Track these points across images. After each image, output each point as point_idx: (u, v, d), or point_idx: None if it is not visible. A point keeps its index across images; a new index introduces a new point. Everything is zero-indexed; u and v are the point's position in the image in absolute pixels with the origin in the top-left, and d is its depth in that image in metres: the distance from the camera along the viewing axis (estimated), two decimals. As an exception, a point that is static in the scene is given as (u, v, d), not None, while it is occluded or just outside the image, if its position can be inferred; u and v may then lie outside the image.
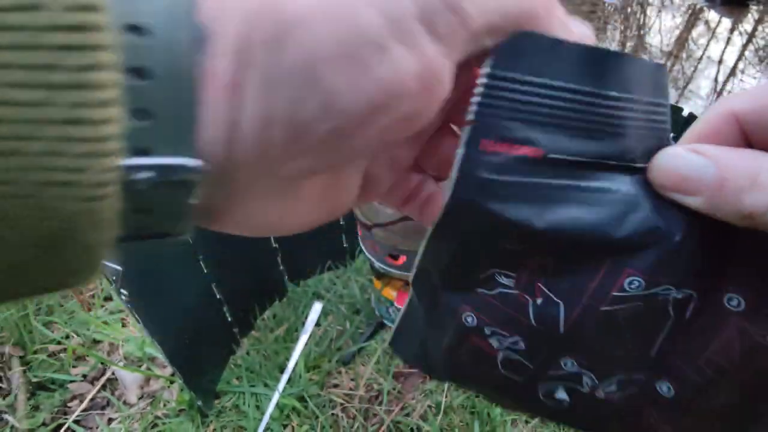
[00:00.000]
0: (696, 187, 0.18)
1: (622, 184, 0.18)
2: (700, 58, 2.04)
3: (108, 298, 1.08)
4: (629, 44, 2.14)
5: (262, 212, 0.16)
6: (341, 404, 0.87)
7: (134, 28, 0.12)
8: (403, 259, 0.79)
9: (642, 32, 2.23)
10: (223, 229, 0.17)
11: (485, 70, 0.16)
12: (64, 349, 0.98)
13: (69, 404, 0.91)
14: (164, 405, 0.89)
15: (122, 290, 0.63)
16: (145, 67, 0.12)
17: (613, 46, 2.11)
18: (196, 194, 0.14)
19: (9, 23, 0.10)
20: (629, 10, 2.41)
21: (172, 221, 0.14)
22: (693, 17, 2.37)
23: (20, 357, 0.97)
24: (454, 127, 0.21)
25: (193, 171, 0.13)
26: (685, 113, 0.78)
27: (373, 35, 0.13)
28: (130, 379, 0.92)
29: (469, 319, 0.20)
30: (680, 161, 0.18)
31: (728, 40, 2.18)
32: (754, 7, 2.37)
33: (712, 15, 2.37)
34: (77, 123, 0.11)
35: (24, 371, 0.95)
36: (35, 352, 0.98)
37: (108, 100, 0.11)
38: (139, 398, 0.91)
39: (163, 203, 0.14)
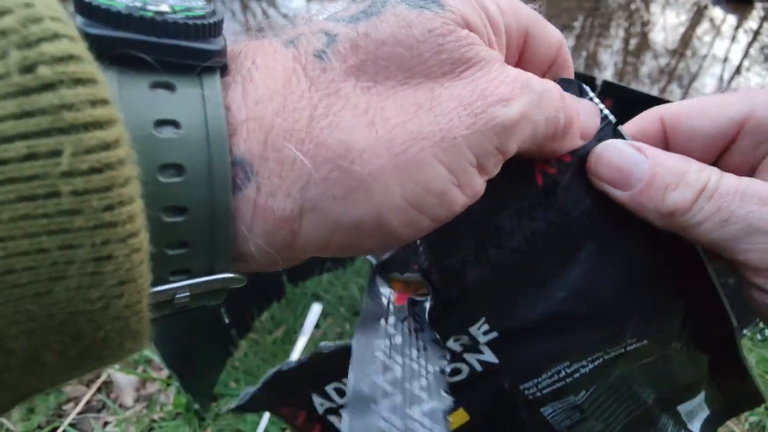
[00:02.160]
0: (627, 180, 0.19)
1: None
2: (705, 56, 2.03)
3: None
4: (633, 41, 2.12)
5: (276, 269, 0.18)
6: (340, 407, 0.86)
7: (169, 167, 0.12)
8: (403, 260, 0.77)
9: (646, 30, 2.21)
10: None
11: None
12: (60, 351, 0.97)
13: (64, 407, 0.89)
14: (161, 408, 0.88)
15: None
16: (181, 206, 0.13)
17: (617, 44, 2.09)
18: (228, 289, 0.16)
19: (26, 174, 0.10)
20: (633, 7, 2.39)
21: (208, 304, 0.16)
22: (698, 15, 2.35)
23: (16, 359, 0.96)
24: None
25: (228, 281, 0.15)
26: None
27: (438, 188, 0.15)
28: (126, 381, 0.91)
29: None
30: (618, 153, 0.19)
31: (733, 38, 2.15)
32: (760, 5, 2.35)
33: (717, 12, 2.35)
34: (106, 259, 0.11)
35: (19, 373, 0.94)
36: (31, 354, 0.97)
37: (135, 230, 0.11)
38: (135, 401, 0.90)
39: (200, 302, 0.15)
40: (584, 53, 2.03)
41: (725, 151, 0.20)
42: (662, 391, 0.24)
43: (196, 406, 0.82)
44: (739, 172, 0.19)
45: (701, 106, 0.20)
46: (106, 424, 0.87)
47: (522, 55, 0.19)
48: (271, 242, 0.15)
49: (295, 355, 0.92)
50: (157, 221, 0.12)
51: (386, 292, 0.20)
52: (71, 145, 0.10)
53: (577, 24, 2.21)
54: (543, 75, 0.19)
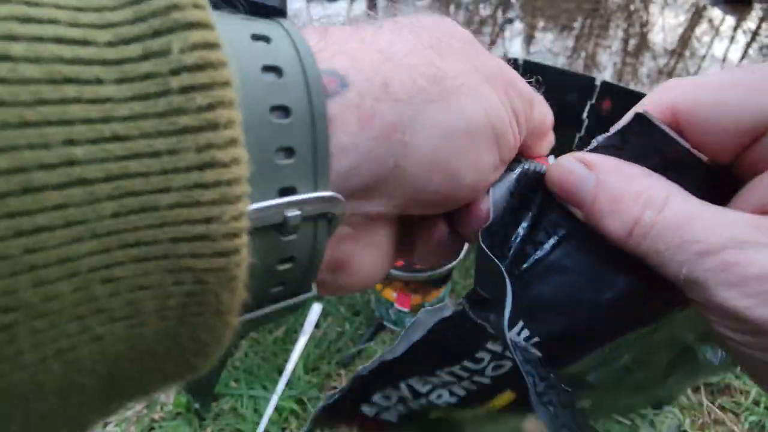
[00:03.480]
0: (575, 200, 0.18)
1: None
2: (704, 57, 2.03)
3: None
4: (632, 42, 2.12)
5: (369, 263, 0.18)
6: (340, 407, 0.86)
7: (271, 69, 0.13)
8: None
9: (645, 30, 2.21)
10: (340, 287, 0.18)
11: None
12: (61, 351, 0.97)
13: (65, 407, 0.89)
14: (161, 408, 0.88)
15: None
16: (285, 106, 0.13)
17: (616, 44, 2.10)
18: (334, 230, 0.15)
19: (142, 72, 0.10)
20: (632, 7, 2.39)
21: (310, 268, 0.15)
22: (697, 15, 2.35)
23: (16, 359, 0.96)
24: None
25: (333, 202, 0.14)
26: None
27: (504, 118, 0.17)
28: (126, 381, 0.91)
29: None
30: (566, 171, 0.18)
31: (732, 39, 2.16)
32: (758, 5, 2.35)
33: (715, 13, 2.35)
34: (208, 166, 0.10)
35: (19, 373, 0.93)
36: (31, 354, 0.96)
37: (234, 138, 0.11)
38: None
39: (306, 245, 0.14)
40: (583, 54, 2.03)
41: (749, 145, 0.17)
42: (700, 329, 0.24)
43: (197, 406, 0.82)
44: (761, 165, 0.16)
45: (722, 95, 0.16)
46: (106, 424, 0.87)
47: None
48: (382, 152, 0.15)
49: (296, 354, 0.92)
50: (265, 123, 0.13)
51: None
52: (179, 41, 0.10)
53: (576, 25, 2.21)
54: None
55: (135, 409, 0.88)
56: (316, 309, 1.00)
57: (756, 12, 2.35)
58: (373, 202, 0.16)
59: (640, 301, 0.19)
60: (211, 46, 0.10)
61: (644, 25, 2.27)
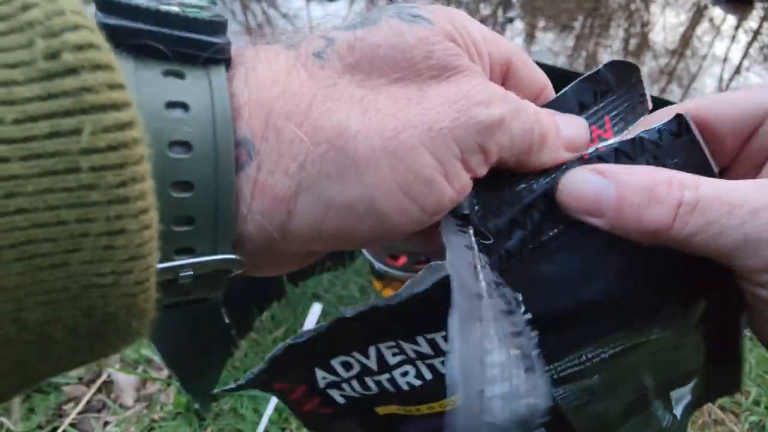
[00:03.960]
0: (598, 208, 0.18)
1: None
2: (705, 56, 2.02)
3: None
4: (633, 41, 2.12)
5: (277, 269, 0.19)
6: (340, 407, 0.86)
7: (180, 143, 0.13)
8: (403, 260, 0.77)
9: (646, 29, 2.21)
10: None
11: None
12: (61, 351, 0.97)
13: (64, 407, 0.89)
14: (161, 408, 0.88)
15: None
16: (188, 181, 0.14)
17: (617, 44, 2.09)
18: (229, 277, 0.16)
19: (49, 150, 0.10)
20: (633, 7, 2.39)
21: (209, 294, 0.17)
22: (698, 14, 2.35)
23: (16, 359, 0.96)
24: None
25: (230, 262, 0.15)
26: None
27: (426, 175, 0.16)
28: (126, 381, 0.91)
29: None
30: (583, 184, 0.18)
31: (733, 38, 2.15)
32: (759, 4, 2.35)
33: (717, 12, 2.35)
34: (118, 233, 0.11)
35: (19, 373, 0.93)
36: (31, 354, 0.96)
37: (146, 207, 0.12)
38: (136, 401, 0.90)
39: (202, 289, 0.16)
40: (584, 53, 2.03)
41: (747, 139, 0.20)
42: (663, 377, 0.25)
43: (197, 406, 0.82)
44: (757, 158, 0.18)
45: (719, 104, 0.19)
46: (106, 424, 0.87)
47: (504, 85, 0.20)
48: (270, 221, 0.15)
49: (295, 355, 0.92)
50: (165, 196, 0.13)
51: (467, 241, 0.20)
52: (91, 124, 0.11)
53: (576, 24, 2.21)
54: None
55: (135, 409, 0.88)
56: (316, 309, 1.00)
57: (757, 11, 2.35)
58: (278, 251, 0.17)
59: (624, 302, 0.20)
60: (124, 126, 0.11)
61: (645, 24, 2.27)
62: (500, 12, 2.31)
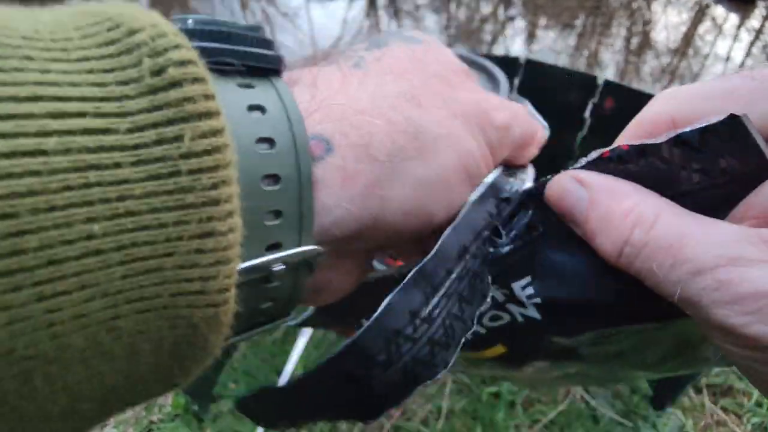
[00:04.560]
0: (573, 219, 0.19)
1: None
2: (707, 55, 2.02)
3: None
4: (635, 40, 2.11)
5: (343, 284, 0.21)
6: (340, 409, 0.86)
7: (265, 140, 0.15)
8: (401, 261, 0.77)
9: (648, 28, 2.20)
10: (314, 303, 0.22)
11: None
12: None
13: (63, 408, 0.89)
14: (159, 409, 0.88)
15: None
16: (276, 174, 0.15)
17: (619, 43, 2.08)
18: (313, 272, 0.17)
19: (155, 156, 0.11)
20: (635, 5, 2.38)
21: (289, 304, 0.18)
22: (700, 13, 2.34)
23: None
24: None
25: (314, 254, 0.16)
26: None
27: (476, 155, 0.19)
28: (125, 382, 0.91)
29: None
30: (561, 190, 0.19)
31: (735, 37, 2.15)
32: (762, 3, 2.34)
33: (719, 11, 2.34)
34: (208, 236, 0.12)
35: (18, 374, 0.93)
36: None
37: (233, 210, 0.12)
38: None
39: (287, 288, 0.17)
40: (585, 52, 2.02)
41: None
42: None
43: (195, 407, 0.82)
44: None
45: (718, 104, 0.17)
46: (104, 425, 0.86)
47: None
48: (362, 208, 0.17)
49: (295, 355, 0.92)
50: (258, 190, 0.14)
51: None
52: (191, 130, 0.12)
53: (578, 23, 2.20)
54: None
55: (133, 411, 0.88)
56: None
57: (759, 10, 2.34)
58: (354, 245, 0.18)
59: (640, 304, 0.19)
60: (218, 132, 0.12)
61: (647, 23, 2.26)
62: (501, 10, 2.30)
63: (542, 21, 2.23)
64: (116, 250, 0.11)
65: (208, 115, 0.12)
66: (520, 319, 0.23)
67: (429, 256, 0.18)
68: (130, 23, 0.12)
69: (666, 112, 0.18)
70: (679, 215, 0.16)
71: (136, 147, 0.11)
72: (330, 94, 0.17)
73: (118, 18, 0.12)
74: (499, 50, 1.96)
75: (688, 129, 0.17)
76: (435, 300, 0.18)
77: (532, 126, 0.23)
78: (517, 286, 0.21)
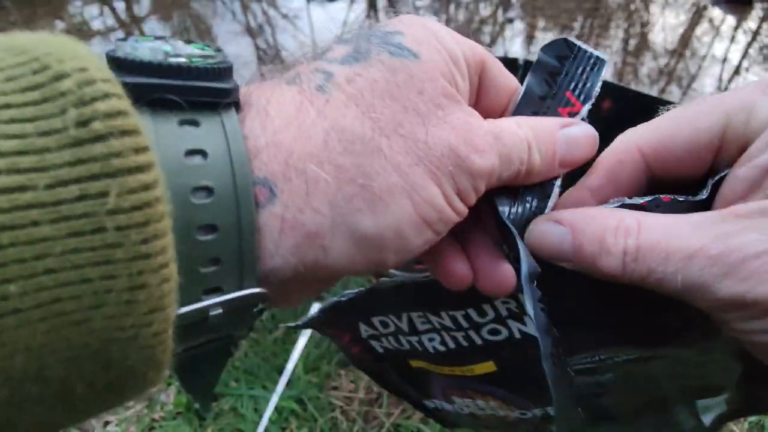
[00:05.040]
0: (560, 256, 0.19)
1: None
2: (704, 57, 2.03)
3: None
4: (632, 42, 2.12)
5: (303, 296, 0.20)
6: (340, 407, 0.86)
7: (202, 189, 0.14)
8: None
9: (645, 30, 2.21)
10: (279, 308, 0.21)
11: None
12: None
13: (65, 406, 0.89)
14: (161, 408, 0.88)
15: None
16: (212, 224, 0.14)
17: (617, 44, 2.09)
18: (263, 310, 0.17)
19: (77, 212, 0.11)
20: (632, 7, 2.39)
21: (237, 334, 0.18)
22: (697, 15, 2.35)
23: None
24: None
25: (256, 296, 0.16)
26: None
27: (438, 205, 0.18)
28: (126, 381, 0.91)
29: None
30: (542, 234, 0.20)
31: (732, 39, 2.16)
32: (759, 5, 2.35)
33: (716, 13, 2.35)
34: (140, 288, 0.12)
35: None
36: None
37: (166, 262, 0.12)
38: (136, 401, 0.90)
39: (231, 326, 0.16)
40: (584, 54, 2.03)
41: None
42: (686, 386, 0.25)
43: (197, 405, 0.82)
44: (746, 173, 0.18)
45: (674, 129, 0.19)
46: (106, 423, 0.87)
47: (480, 87, 0.21)
48: (302, 257, 0.16)
49: (296, 354, 0.92)
50: (192, 241, 0.14)
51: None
52: (117, 186, 0.11)
53: (576, 24, 2.21)
54: (501, 113, 0.22)
55: (135, 409, 0.88)
56: (315, 309, 1.00)
57: (756, 12, 2.35)
58: (302, 281, 0.18)
59: (637, 324, 0.20)
60: (148, 186, 0.12)
61: (645, 24, 2.27)
62: (500, 12, 2.31)
63: (541, 23, 2.23)
64: (36, 308, 0.11)
65: (139, 169, 0.11)
66: (517, 335, 0.24)
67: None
68: (57, 66, 0.11)
69: (633, 143, 0.20)
70: (655, 217, 0.18)
71: (56, 203, 0.11)
72: (280, 125, 0.16)
73: (45, 59, 0.12)
74: (498, 52, 1.97)
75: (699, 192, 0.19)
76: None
77: (544, 153, 0.20)
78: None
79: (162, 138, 0.14)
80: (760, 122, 0.17)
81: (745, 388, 0.25)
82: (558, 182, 0.21)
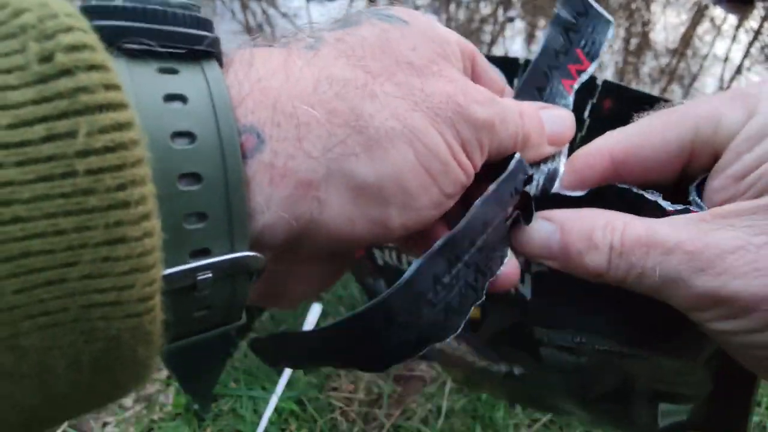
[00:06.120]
0: (548, 253, 0.19)
1: None
2: (706, 56, 2.02)
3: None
4: (633, 41, 2.12)
5: (301, 291, 0.19)
6: (340, 408, 0.86)
7: (183, 134, 0.13)
8: (403, 260, 0.77)
9: (647, 29, 2.21)
10: (277, 308, 0.19)
11: None
12: (60, 351, 0.97)
13: (64, 407, 0.89)
14: (160, 409, 0.88)
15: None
16: (195, 173, 0.13)
17: (618, 43, 2.09)
18: (254, 281, 0.15)
19: (45, 154, 0.10)
20: (634, 6, 2.38)
21: (230, 311, 0.16)
22: (698, 14, 2.34)
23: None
24: None
25: (250, 260, 0.14)
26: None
27: (442, 154, 0.17)
28: (125, 381, 0.91)
29: None
30: (530, 231, 0.20)
31: (734, 38, 2.15)
32: (760, 4, 2.34)
33: (717, 12, 2.34)
34: (118, 242, 0.11)
35: (19, 373, 0.93)
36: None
37: (147, 213, 0.11)
38: (135, 401, 0.90)
39: (223, 297, 0.15)
40: (585, 53, 2.03)
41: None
42: (656, 389, 0.25)
43: (196, 406, 0.82)
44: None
45: (644, 137, 0.19)
46: (105, 424, 0.87)
47: (473, 77, 0.21)
48: (295, 211, 0.15)
49: (295, 355, 0.92)
50: (174, 191, 0.13)
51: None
52: (86, 124, 0.10)
53: (577, 23, 2.20)
54: None
55: (134, 410, 0.88)
56: (316, 309, 1.00)
57: (758, 11, 2.34)
58: (300, 251, 0.16)
59: (630, 323, 0.21)
60: (122, 126, 0.11)
61: (646, 24, 2.26)
62: (500, 11, 2.30)
63: (541, 22, 2.23)
64: (5, 261, 0.10)
65: (110, 107, 0.10)
66: (512, 291, 0.24)
67: (458, 226, 0.18)
68: (16, 2, 0.10)
69: (605, 148, 0.20)
70: (642, 219, 0.18)
71: (20, 144, 0.10)
72: (266, 73, 0.15)
73: None
74: (498, 51, 1.96)
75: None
76: (456, 268, 0.18)
77: (525, 128, 0.20)
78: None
79: (138, 84, 0.13)
80: (726, 132, 0.17)
81: (712, 404, 0.25)
82: (563, 159, 0.22)
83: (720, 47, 2.08)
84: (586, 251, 0.18)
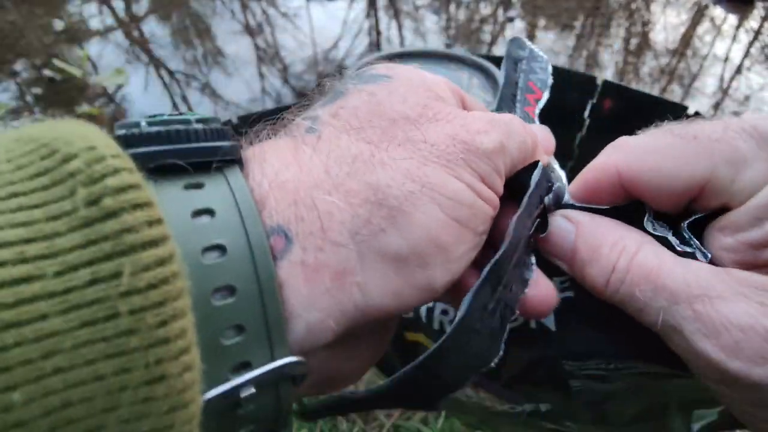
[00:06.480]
0: (560, 253, 0.19)
1: None
2: (706, 56, 2.02)
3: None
4: (633, 41, 2.12)
5: (355, 370, 0.18)
6: (340, 408, 0.86)
7: (214, 248, 0.13)
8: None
9: (647, 29, 2.21)
10: (329, 392, 0.19)
11: None
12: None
13: (64, 407, 0.89)
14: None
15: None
16: (228, 285, 0.13)
17: (618, 44, 2.09)
18: (300, 382, 0.15)
19: (88, 299, 0.10)
20: (634, 6, 2.38)
21: (277, 420, 0.15)
22: (698, 14, 2.35)
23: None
24: None
25: (294, 367, 0.14)
26: (690, 111, 0.76)
27: (466, 198, 0.16)
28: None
29: None
30: (552, 227, 0.19)
31: (734, 38, 2.15)
32: (761, 4, 2.34)
33: (717, 12, 2.34)
34: (158, 381, 0.10)
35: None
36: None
37: (186, 347, 0.11)
38: None
39: (267, 409, 0.14)
40: (585, 53, 2.03)
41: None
42: (692, 398, 0.25)
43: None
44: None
45: (659, 161, 0.18)
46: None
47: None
48: (337, 304, 0.14)
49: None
50: (208, 308, 0.13)
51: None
52: (131, 264, 0.10)
53: (577, 24, 2.20)
54: None
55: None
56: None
57: (758, 11, 2.34)
58: (350, 340, 0.16)
59: (648, 345, 0.20)
60: (164, 261, 0.11)
61: (646, 24, 2.26)
62: (500, 12, 2.31)
63: (541, 22, 2.23)
64: (44, 416, 0.09)
65: (153, 243, 0.11)
66: (533, 324, 0.23)
67: (501, 250, 0.17)
68: (65, 149, 0.11)
69: (613, 163, 0.19)
70: (657, 249, 0.17)
71: (66, 291, 0.10)
72: (280, 167, 0.15)
73: (54, 144, 0.11)
74: (498, 51, 1.96)
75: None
76: (498, 292, 0.18)
77: (528, 134, 0.20)
78: (555, 281, 0.21)
79: (167, 204, 0.13)
80: (747, 185, 0.16)
81: None
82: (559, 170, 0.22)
83: (720, 47, 2.08)
84: (588, 263, 0.18)
